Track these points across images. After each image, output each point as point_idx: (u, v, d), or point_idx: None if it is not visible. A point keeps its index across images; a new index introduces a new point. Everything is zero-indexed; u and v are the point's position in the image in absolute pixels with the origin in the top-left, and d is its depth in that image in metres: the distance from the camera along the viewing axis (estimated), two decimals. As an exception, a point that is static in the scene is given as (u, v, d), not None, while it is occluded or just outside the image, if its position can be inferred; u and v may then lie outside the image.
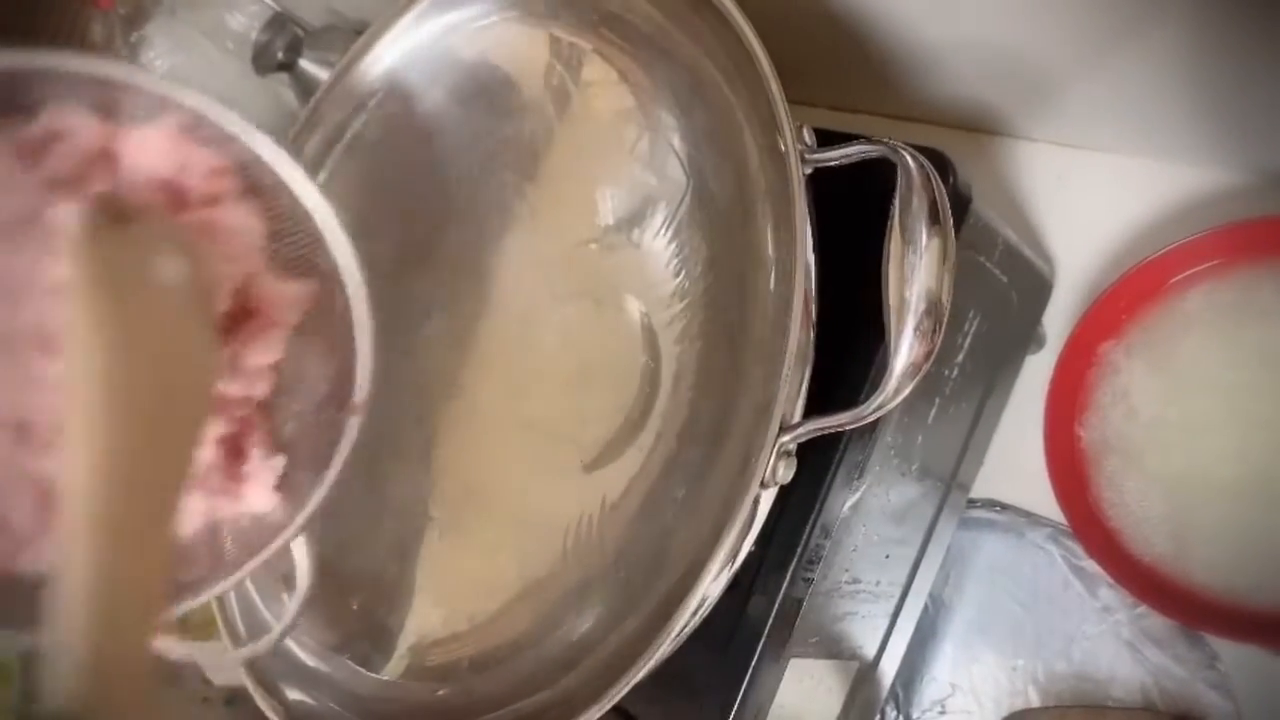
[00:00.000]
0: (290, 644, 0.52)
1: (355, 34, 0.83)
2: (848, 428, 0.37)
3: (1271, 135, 0.54)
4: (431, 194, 0.55)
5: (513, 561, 0.50)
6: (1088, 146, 0.62)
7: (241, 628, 0.53)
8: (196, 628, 0.95)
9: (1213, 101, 0.53)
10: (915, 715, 0.62)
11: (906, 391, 0.36)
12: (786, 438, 0.37)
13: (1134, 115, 0.58)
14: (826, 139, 0.41)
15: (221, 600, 0.53)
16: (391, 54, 0.53)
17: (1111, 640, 0.56)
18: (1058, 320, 0.61)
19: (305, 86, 0.84)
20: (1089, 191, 0.62)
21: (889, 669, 0.57)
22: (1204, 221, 0.52)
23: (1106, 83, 0.56)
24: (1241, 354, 0.50)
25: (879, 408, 0.36)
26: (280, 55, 0.84)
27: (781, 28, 0.41)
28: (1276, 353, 0.50)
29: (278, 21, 0.86)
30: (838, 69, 0.62)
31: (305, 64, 0.83)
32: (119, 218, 0.36)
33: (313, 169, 0.57)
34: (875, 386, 0.44)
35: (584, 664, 0.46)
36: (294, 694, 0.51)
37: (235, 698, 0.87)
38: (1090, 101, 0.58)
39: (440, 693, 0.48)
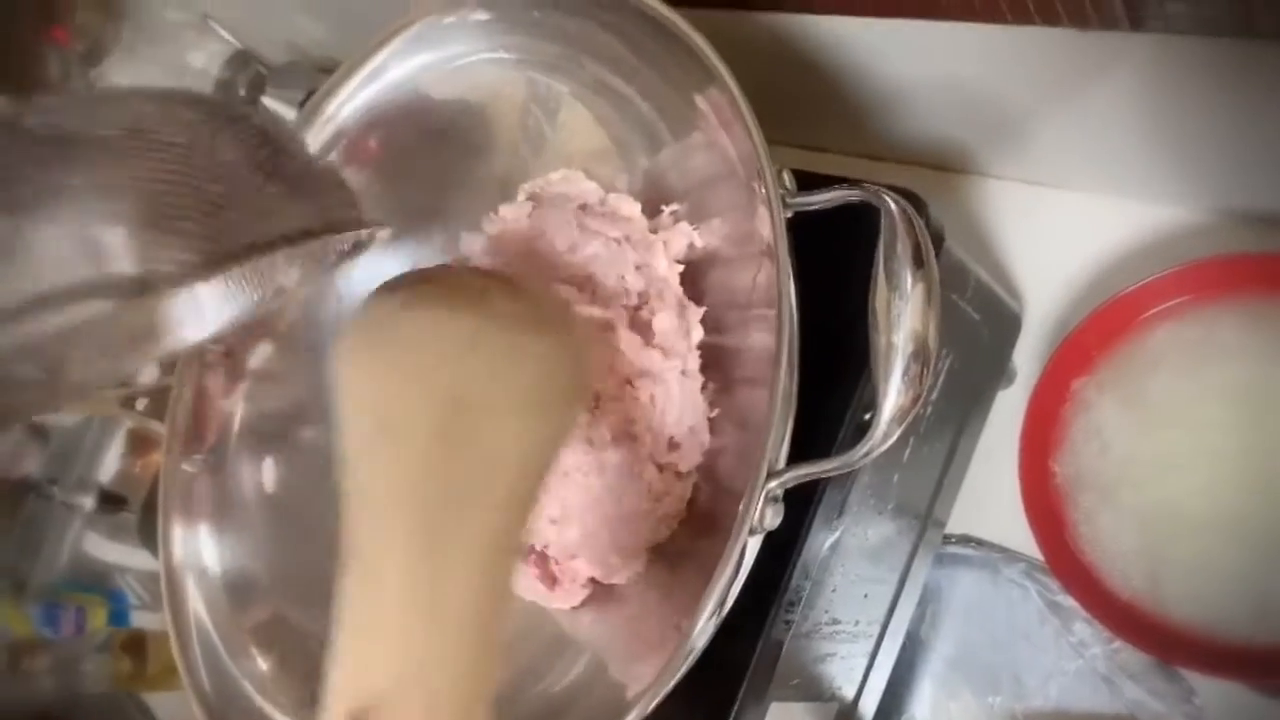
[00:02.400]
0: (262, 702, 0.50)
1: (319, 71, 0.83)
2: (834, 474, 0.37)
3: (1227, 174, 0.56)
4: (400, 235, 0.55)
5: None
6: (1054, 184, 0.63)
7: (207, 683, 0.51)
8: (153, 677, 0.92)
9: (1173, 142, 0.55)
10: (894, 755, 0.62)
11: (895, 436, 0.36)
12: (774, 484, 0.37)
13: (1098, 154, 0.59)
14: (803, 181, 0.41)
15: (186, 654, 0.52)
16: (362, 94, 0.53)
17: (1088, 676, 0.56)
18: (1027, 356, 0.62)
19: (268, 124, 0.83)
20: (1055, 229, 0.63)
21: (868, 709, 0.57)
22: (1166, 259, 0.53)
23: (1072, 122, 0.57)
24: (1207, 391, 0.51)
25: (868, 453, 0.36)
26: (242, 93, 0.84)
27: (749, 66, 0.41)
28: (1240, 390, 0.50)
29: (240, 59, 0.86)
30: (806, 108, 0.63)
31: (268, 102, 0.83)
32: None
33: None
34: (854, 428, 0.45)
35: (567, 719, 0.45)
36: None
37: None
38: (1056, 140, 0.59)
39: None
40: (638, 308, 0.45)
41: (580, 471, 0.45)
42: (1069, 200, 0.63)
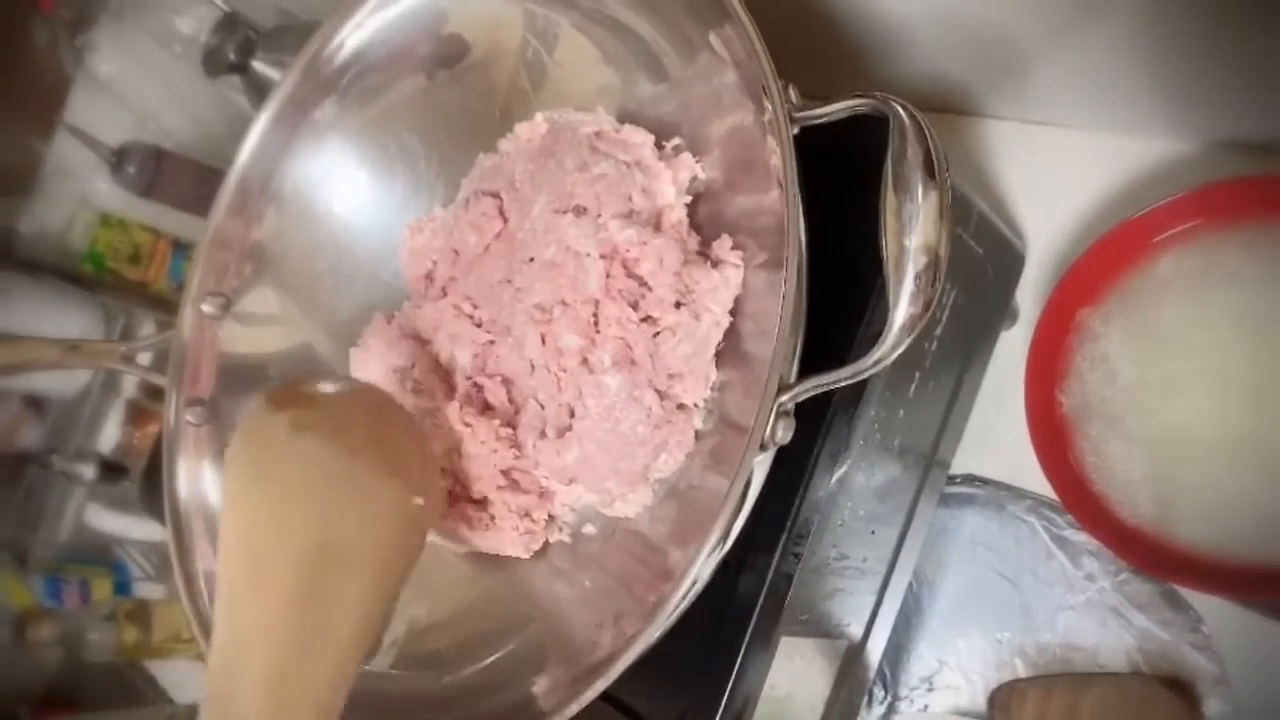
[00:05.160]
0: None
1: (310, 33, 0.82)
2: (846, 383, 0.37)
3: (1224, 106, 0.56)
4: (401, 176, 0.55)
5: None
6: (1054, 123, 0.63)
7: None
8: (158, 646, 0.92)
9: (1171, 76, 0.54)
10: (903, 694, 0.62)
11: (905, 345, 0.36)
12: (785, 397, 0.37)
13: (1097, 90, 0.59)
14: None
15: (194, 601, 0.51)
16: (360, 34, 0.52)
17: (1096, 608, 0.57)
18: (1030, 296, 0.62)
19: (258, 88, 0.83)
20: (1056, 167, 0.63)
21: (876, 648, 0.57)
22: (1165, 193, 0.52)
23: (1072, 58, 0.56)
24: (1214, 316, 0.51)
25: (878, 362, 0.36)
26: (232, 57, 0.83)
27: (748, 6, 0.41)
28: (1247, 314, 0.50)
29: (229, 23, 0.85)
30: (804, 48, 0.62)
31: (258, 65, 0.82)
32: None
33: (277, 155, 0.56)
34: (864, 347, 0.45)
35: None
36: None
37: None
38: (1056, 78, 0.59)
39: (429, 682, 0.47)
40: None
41: (580, 393, 0.45)
42: (1068, 138, 0.63)
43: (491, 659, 0.47)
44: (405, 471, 0.41)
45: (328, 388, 0.43)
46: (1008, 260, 0.59)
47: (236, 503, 0.39)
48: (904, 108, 0.36)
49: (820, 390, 0.37)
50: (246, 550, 0.39)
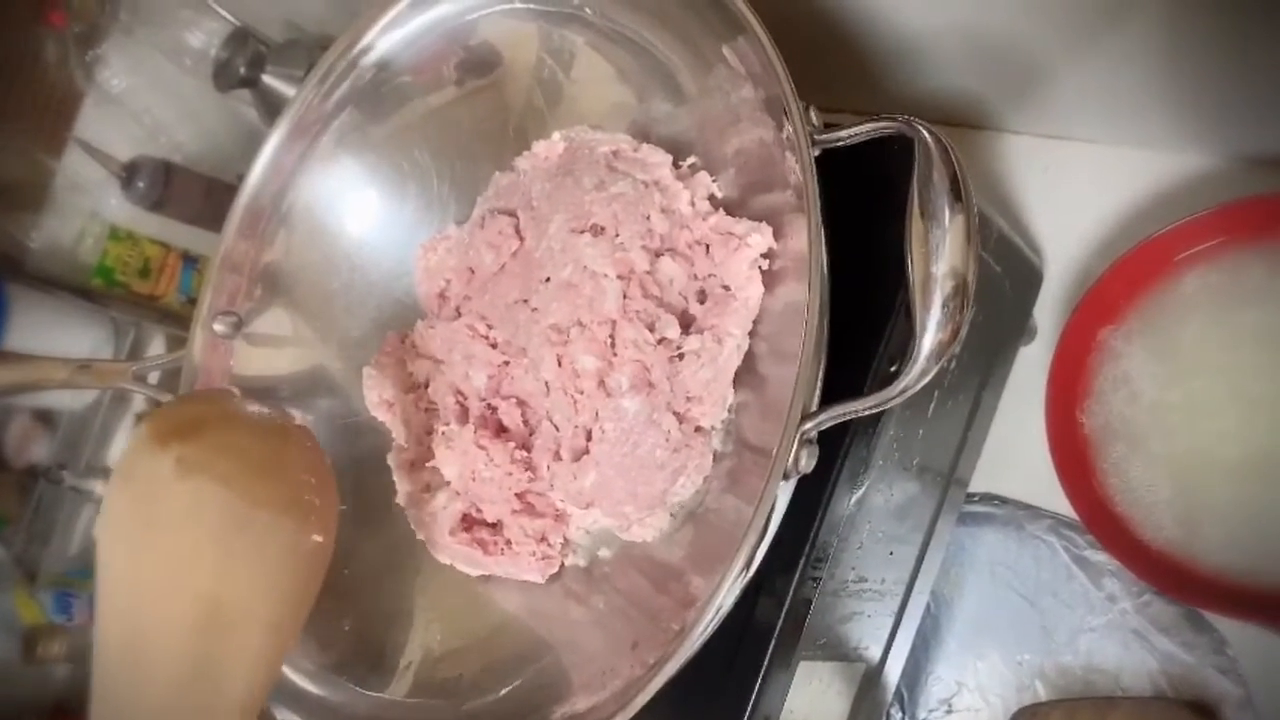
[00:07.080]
0: (284, 667, 0.50)
1: (320, 48, 0.82)
2: (871, 411, 0.36)
3: (1245, 120, 0.55)
4: (414, 194, 0.54)
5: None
6: (1071, 137, 0.63)
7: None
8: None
9: (1190, 89, 0.54)
10: (921, 716, 0.61)
11: (933, 373, 0.35)
12: (809, 425, 0.36)
13: (1116, 104, 0.58)
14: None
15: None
16: (372, 55, 0.52)
17: (1118, 630, 0.56)
18: (1048, 312, 0.61)
19: (268, 102, 0.83)
20: (1074, 182, 0.62)
21: (894, 669, 0.56)
22: (1186, 208, 0.52)
23: (1089, 72, 0.56)
24: (1238, 335, 0.50)
25: (904, 390, 0.35)
26: (242, 71, 0.83)
27: (762, 18, 0.40)
28: (1272, 334, 0.50)
29: (239, 37, 0.85)
30: (818, 64, 0.62)
31: (268, 79, 0.82)
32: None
33: (289, 174, 0.56)
34: (880, 378, 0.44)
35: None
36: (287, 717, 0.49)
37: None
38: (1074, 92, 0.59)
39: (448, 711, 0.46)
40: (658, 252, 0.44)
41: (597, 416, 0.44)
42: (1086, 153, 0.62)
43: (510, 687, 0.47)
44: (305, 506, 0.37)
45: (217, 412, 0.39)
46: (1026, 277, 0.58)
47: (116, 559, 0.35)
48: (929, 131, 0.35)
49: (843, 419, 0.36)
50: (128, 620, 0.35)
